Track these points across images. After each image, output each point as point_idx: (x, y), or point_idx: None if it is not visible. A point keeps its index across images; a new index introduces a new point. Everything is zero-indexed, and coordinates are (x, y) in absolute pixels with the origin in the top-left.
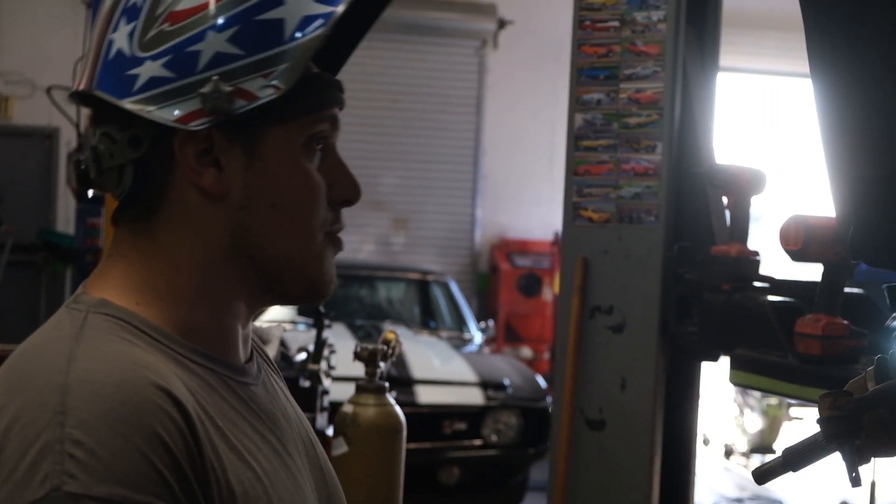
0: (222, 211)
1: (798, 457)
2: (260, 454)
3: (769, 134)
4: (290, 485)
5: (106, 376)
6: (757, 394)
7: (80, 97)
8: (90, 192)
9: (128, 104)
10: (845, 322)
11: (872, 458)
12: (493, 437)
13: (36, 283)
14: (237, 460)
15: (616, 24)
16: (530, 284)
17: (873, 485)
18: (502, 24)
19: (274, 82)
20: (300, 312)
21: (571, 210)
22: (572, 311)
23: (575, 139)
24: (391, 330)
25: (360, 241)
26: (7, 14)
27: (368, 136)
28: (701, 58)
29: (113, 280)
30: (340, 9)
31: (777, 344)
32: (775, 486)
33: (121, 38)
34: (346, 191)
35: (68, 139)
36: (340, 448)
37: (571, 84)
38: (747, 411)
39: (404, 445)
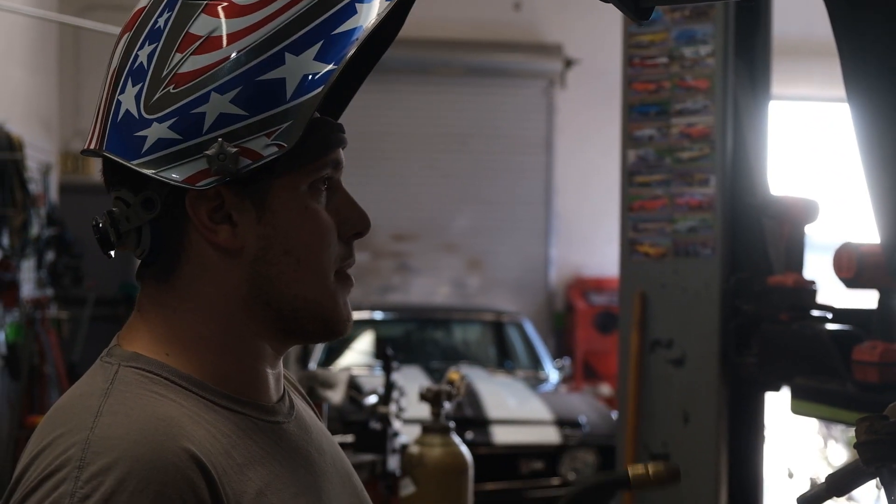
0: (239, 263)
1: (841, 482)
2: (287, 492)
3: (825, 160)
4: None
5: (125, 432)
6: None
7: (92, 153)
8: (112, 253)
9: (136, 165)
10: None
11: None
12: (571, 476)
13: None
14: (262, 502)
15: (665, 60)
16: (606, 322)
17: None
18: (569, 63)
19: (277, 141)
20: (376, 356)
21: (628, 246)
22: (632, 346)
23: (629, 175)
24: (455, 370)
25: (434, 284)
26: (85, 74)
27: (440, 179)
28: (752, 89)
29: (143, 333)
30: (339, 67)
31: (836, 372)
32: None
33: (128, 100)
34: (355, 225)
35: None
36: (407, 488)
37: (623, 121)
38: (831, 443)
39: (471, 484)
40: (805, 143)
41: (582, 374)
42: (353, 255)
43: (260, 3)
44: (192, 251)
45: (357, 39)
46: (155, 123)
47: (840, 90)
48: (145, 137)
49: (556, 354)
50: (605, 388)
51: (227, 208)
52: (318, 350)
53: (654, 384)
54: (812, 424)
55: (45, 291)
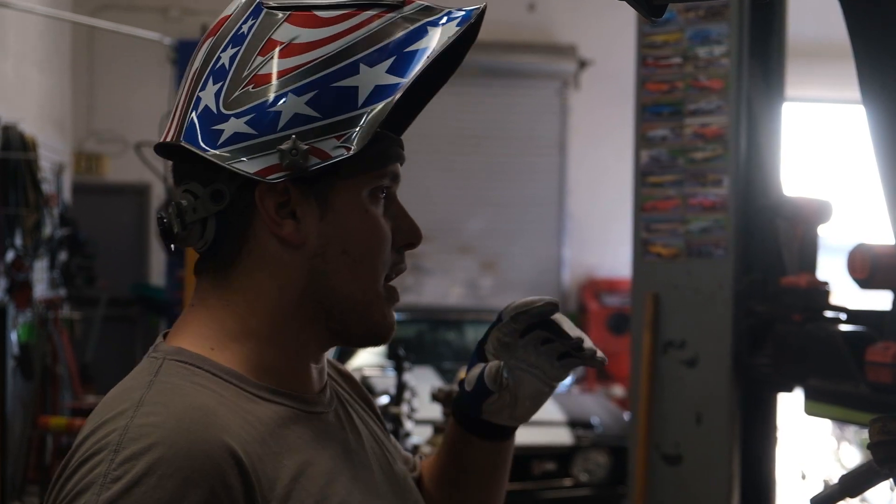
0: (299, 258)
1: (855, 483)
2: (322, 479)
3: (839, 162)
4: None
5: (162, 420)
6: (854, 426)
7: (165, 150)
8: (173, 247)
9: (211, 156)
10: None
11: None
12: (584, 477)
13: (131, 336)
14: (300, 489)
15: (679, 60)
16: (619, 323)
17: None
18: (583, 64)
19: (346, 144)
20: (388, 356)
21: (641, 246)
22: (644, 346)
23: (641, 175)
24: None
25: (448, 285)
26: (99, 75)
27: (454, 180)
28: (766, 90)
29: (191, 328)
30: (408, 81)
31: (849, 373)
32: None
33: (208, 96)
34: (408, 235)
35: (159, 194)
36: None
37: (636, 121)
38: (845, 444)
39: None
40: (819, 144)
41: (595, 375)
42: (403, 261)
43: (339, 17)
44: (255, 243)
45: (427, 58)
46: (232, 118)
47: (854, 92)
48: (222, 131)
49: None
50: (618, 390)
51: (293, 204)
52: (330, 351)
53: (666, 385)
54: (825, 426)
55: (58, 292)
